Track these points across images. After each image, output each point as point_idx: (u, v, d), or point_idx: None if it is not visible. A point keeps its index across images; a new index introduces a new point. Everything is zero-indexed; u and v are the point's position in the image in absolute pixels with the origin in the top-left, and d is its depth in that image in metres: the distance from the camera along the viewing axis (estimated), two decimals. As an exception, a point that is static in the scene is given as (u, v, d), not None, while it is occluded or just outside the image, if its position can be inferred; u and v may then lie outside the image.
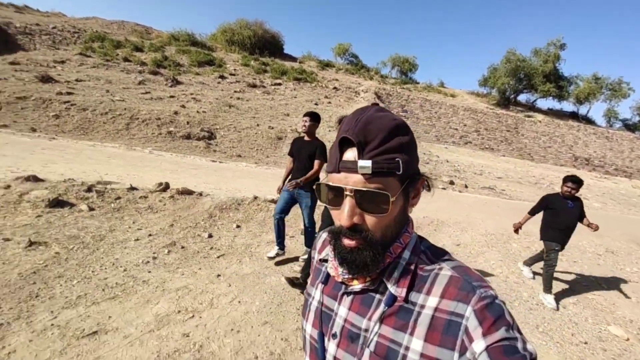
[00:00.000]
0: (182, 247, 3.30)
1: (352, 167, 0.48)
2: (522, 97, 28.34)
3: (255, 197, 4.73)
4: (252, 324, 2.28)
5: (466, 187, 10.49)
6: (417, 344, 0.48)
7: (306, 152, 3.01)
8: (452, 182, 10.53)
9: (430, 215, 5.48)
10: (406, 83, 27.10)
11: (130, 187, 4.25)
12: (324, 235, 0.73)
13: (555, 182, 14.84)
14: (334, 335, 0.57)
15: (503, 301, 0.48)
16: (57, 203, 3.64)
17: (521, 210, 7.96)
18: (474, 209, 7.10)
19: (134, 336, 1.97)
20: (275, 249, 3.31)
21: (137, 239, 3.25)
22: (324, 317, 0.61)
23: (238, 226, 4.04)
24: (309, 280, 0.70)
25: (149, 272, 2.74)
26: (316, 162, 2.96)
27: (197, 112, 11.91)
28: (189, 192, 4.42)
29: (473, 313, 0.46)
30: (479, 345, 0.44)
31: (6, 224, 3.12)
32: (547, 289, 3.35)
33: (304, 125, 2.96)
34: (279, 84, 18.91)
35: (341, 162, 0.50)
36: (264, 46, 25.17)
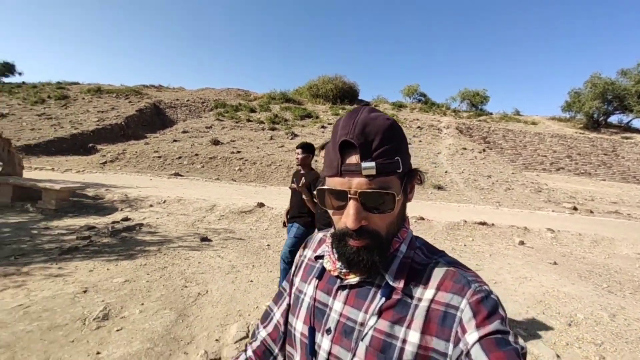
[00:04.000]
0: (453, 248, 5.19)
1: (355, 170, 0.49)
2: (613, 119, 27.22)
3: (465, 221, 6.59)
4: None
5: (591, 212, 11.09)
6: (414, 336, 0.49)
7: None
8: (575, 208, 11.25)
9: (599, 234, 6.72)
10: (480, 115, 28.12)
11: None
12: (319, 235, 0.73)
13: (682, 205, 14.23)
14: (328, 331, 0.57)
15: (497, 296, 0.49)
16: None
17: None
18: (621, 231, 7.99)
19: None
20: None
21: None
22: (317, 313, 0.60)
23: (472, 239, 5.88)
24: (297, 279, 0.70)
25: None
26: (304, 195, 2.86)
27: (327, 158, 14.68)
28: (422, 218, 6.43)
29: (468, 305, 0.47)
30: (472, 336, 0.45)
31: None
32: None
33: (297, 158, 3.01)
34: (370, 128, 21.57)
35: (343, 166, 0.51)
36: (344, 96, 28.82)
